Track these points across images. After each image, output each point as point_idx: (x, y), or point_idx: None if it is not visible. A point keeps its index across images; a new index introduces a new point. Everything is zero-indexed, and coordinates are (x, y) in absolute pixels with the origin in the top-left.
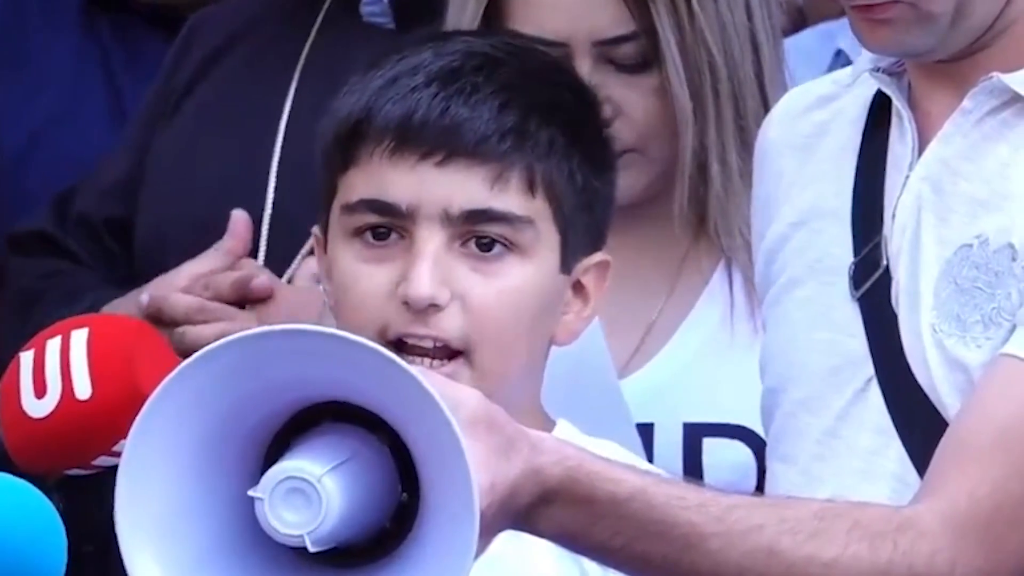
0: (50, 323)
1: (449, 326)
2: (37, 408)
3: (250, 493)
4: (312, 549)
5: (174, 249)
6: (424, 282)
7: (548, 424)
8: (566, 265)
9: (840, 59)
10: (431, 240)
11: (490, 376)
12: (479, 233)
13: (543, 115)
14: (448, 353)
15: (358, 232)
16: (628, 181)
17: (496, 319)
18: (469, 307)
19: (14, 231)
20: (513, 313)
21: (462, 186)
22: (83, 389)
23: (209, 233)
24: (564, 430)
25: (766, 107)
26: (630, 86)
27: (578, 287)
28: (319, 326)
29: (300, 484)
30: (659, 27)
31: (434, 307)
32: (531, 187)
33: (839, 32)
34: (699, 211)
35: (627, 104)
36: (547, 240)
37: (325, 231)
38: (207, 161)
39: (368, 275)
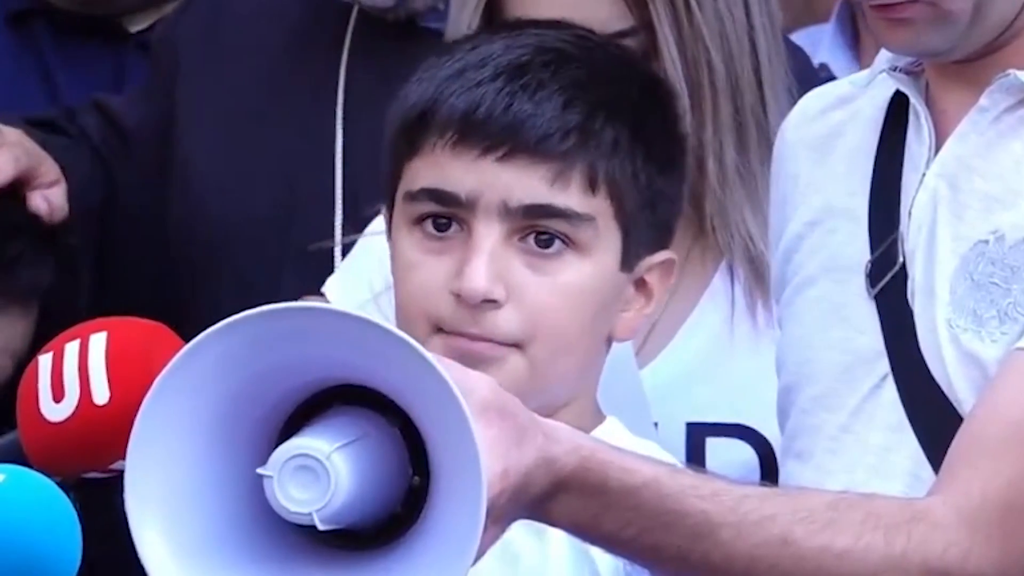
0: None
1: (504, 325)
2: (55, 412)
3: (259, 471)
4: (321, 527)
5: (242, 247)
6: (480, 276)
7: (598, 420)
8: (627, 263)
9: (822, 73)
10: (489, 235)
11: (545, 372)
12: (539, 228)
13: (608, 113)
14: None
15: (419, 220)
16: None
17: (552, 317)
18: (525, 305)
19: None
20: (569, 311)
21: (522, 181)
22: (101, 394)
23: (279, 231)
24: (612, 427)
25: (763, 105)
26: None
27: (641, 284)
28: (331, 305)
29: (309, 461)
30: (657, 23)
31: (489, 302)
32: (592, 185)
33: (820, 40)
34: (699, 209)
35: None
36: (607, 238)
37: (390, 218)
38: (261, 160)
39: (425, 266)
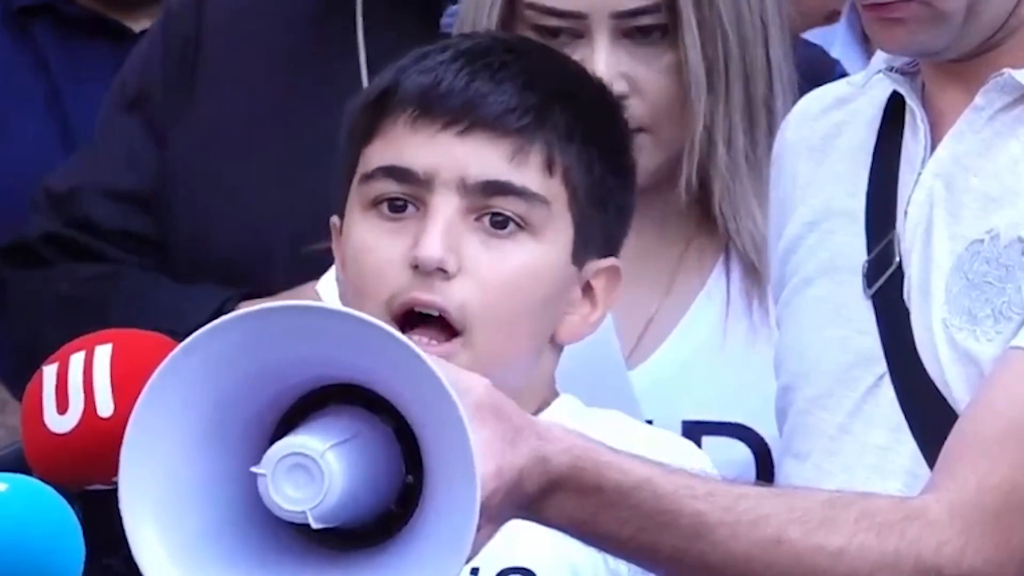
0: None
1: (455, 295)
2: (59, 423)
3: (252, 469)
4: (315, 525)
5: (279, 259)
6: (435, 243)
7: (550, 396)
8: (577, 257)
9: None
10: (446, 207)
11: (487, 359)
12: (494, 208)
13: (564, 103)
14: (448, 333)
15: (375, 203)
16: (639, 163)
17: (501, 296)
18: (476, 281)
19: (13, 241)
20: (519, 292)
21: (482, 156)
22: (105, 406)
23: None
24: (566, 403)
25: (773, 99)
26: (646, 62)
27: (587, 289)
28: (326, 303)
29: (302, 460)
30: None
31: (442, 272)
32: (549, 167)
33: (832, 40)
34: (701, 200)
35: (642, 81)
36: (560, 224)
37: (343, 217)
38: (290, 173)
39: (381, 245)
